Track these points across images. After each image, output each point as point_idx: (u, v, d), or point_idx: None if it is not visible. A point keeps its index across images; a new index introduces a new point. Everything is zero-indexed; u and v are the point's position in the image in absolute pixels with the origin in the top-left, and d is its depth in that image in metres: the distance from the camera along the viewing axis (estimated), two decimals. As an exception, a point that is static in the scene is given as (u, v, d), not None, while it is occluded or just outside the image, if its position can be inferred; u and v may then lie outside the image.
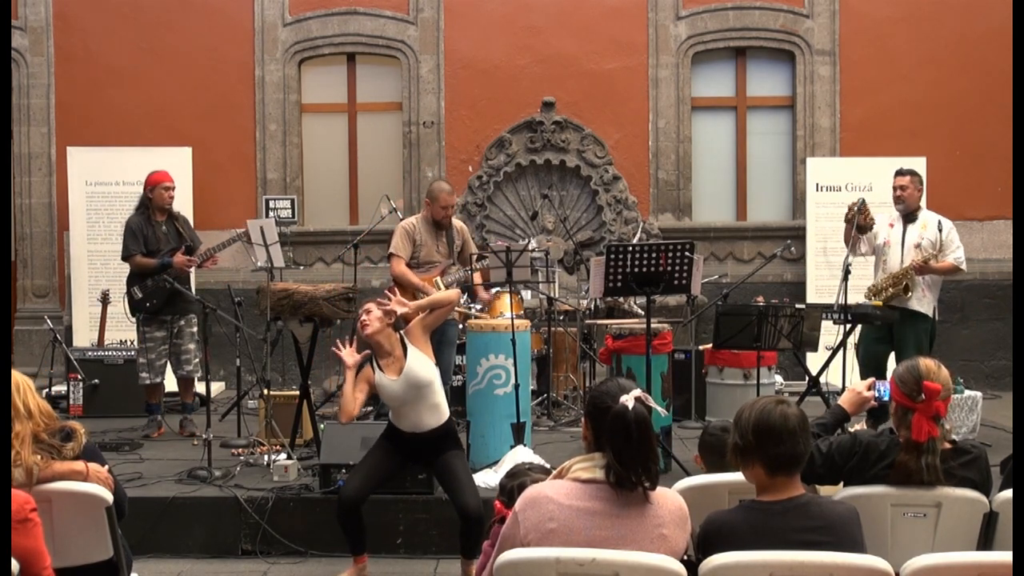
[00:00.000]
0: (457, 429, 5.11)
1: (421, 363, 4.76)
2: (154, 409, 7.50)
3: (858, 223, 6.86)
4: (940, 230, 6.77)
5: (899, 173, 7.01)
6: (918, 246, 6.81)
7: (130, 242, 7.33)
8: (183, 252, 7.33)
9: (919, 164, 9.46)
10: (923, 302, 6.81)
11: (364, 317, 4.78)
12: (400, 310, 4.82)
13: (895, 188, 6.96)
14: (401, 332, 4.84)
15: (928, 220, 6.90)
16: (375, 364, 4.82)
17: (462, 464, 4.92)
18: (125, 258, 7.38)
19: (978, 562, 2.77)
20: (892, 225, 6.98)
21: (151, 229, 7.35)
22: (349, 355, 4.80)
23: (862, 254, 7.08)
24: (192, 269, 7.61)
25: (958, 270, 6.92)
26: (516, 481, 3.74)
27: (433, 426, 4.82)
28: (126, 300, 7.34)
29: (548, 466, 5.17)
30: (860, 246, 7.01)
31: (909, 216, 6.93)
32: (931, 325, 6.87)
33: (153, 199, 7.37)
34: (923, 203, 7.18)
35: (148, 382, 7.39)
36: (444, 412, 4.87)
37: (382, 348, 4.80)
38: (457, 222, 7.22)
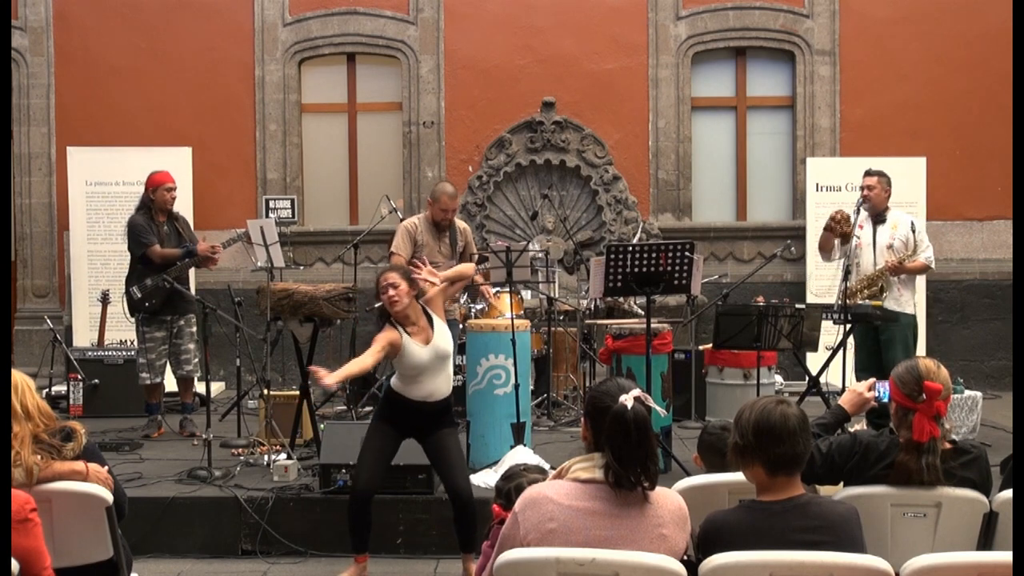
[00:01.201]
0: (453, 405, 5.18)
1: (445, 334, 4.84)
2: (153, 409, 7.50)
3: (845, 232, 6.87)
4: (914, 230, 6.80)
5: (867, 173, 7.01)
6: (890, 247, 6.82)
7: (144, 236, 7.25)
8: (188, 253, 7.34)
9: (919, 164, 9.51)
10: (900, 301, 6.82)
11: (392, 292, 4.68)
12: (436, 282, 4.84)
13: (862, 188, 6.96)
14: (421, 302, 4.84)
15: (898, 220, 6.91)
16: (401, 328, 4.75)
17: (455, 444, 4.95)
18: (142, 252, 7.24)
19: (978, 562, 2.77)
20: (861, 227, 6.97)
21: (154, 228, 7.34)
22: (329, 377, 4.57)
23: (835, 260, 7.09)
24: (192, 268, 7.58)
25: (928, 269, 6.99)
26: (512, 483, 3.75)
27: (445, 395, 4.86)
28: (125, 300, 7.33)
29: (547, 466, 5.19)
30: (834, 252, 7.02)
31: (878, 217, 6.93)
32: (913, 321, 6.91)
33: (155, 200, 7.36)
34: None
35: (148, 382, 7.38)
36: (451, 382, 4.95)
37: (408, 318, 4.77)
38: (460, 222, 7.22)
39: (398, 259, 6.85)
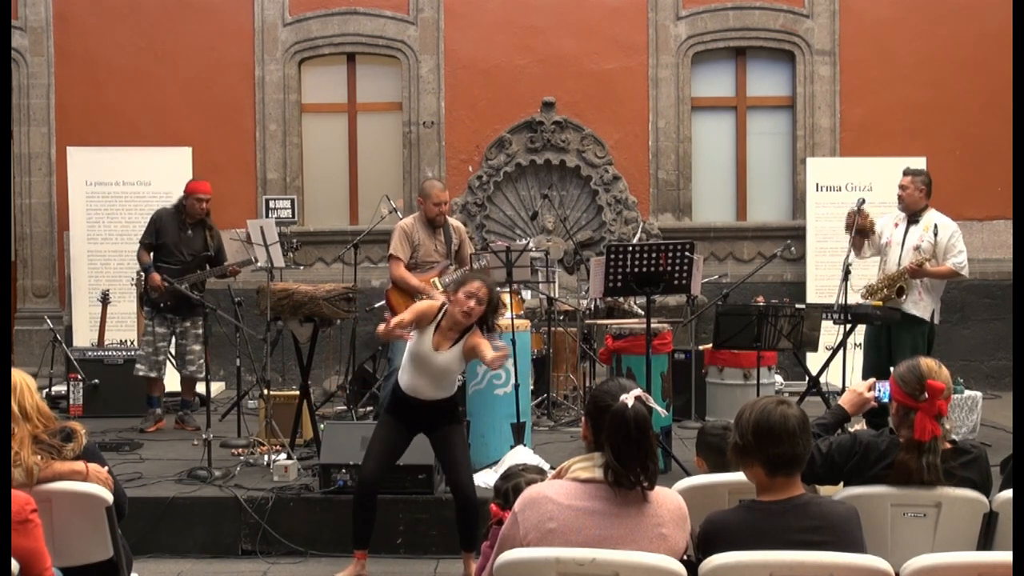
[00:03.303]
0: (459, 402, 5.14)
1: (455, 361, 4.75)
2: (153, 403, 7.63)
3: (858, 227, 6.84)
4: (936, 234, 6.66)
5: (904, 173, 6.97)
6: (918, 248, 6.71)
7: (146, 232, 7.58)
8: (206, 262, 7.56)
9: (919, 164, 9.48)
10: (919, 306, 6.71)
11: (473, 307, 4.61)
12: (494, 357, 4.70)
13: (898, 188, 6.93)
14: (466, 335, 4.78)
15: (931, 222, 6.76)
16: (437, 321, 4.73)
17: (460, 440, 4.95)
18: (140, 244, 7.64)
19: (978, 562, 2.77)
20: (897, 225, 6.92)
21: (175, 227, 7.52)
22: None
23: (867, 256, 7.06)
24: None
25: (957, 275, 6.78)
26: (510, 483, 3.75)
27: (437, 398, 4.83)
28: (143, 289, 7.57)
29: (547, 466, 5.19)
30: (865, 250, 6.98)
31: (913, 217, 6.86)
32: (928, 329, 6.75)
33: (186, 206, 7.55)
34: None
35: (142, 374, 7.55)
36: (450, 392, 4.88)
37: (452, 325, 4.72)
38: (454, 221, 7.23)
39: (396, 262, 6.84)
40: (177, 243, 7.48)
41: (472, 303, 4.63)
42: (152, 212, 7.80)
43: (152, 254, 7.53)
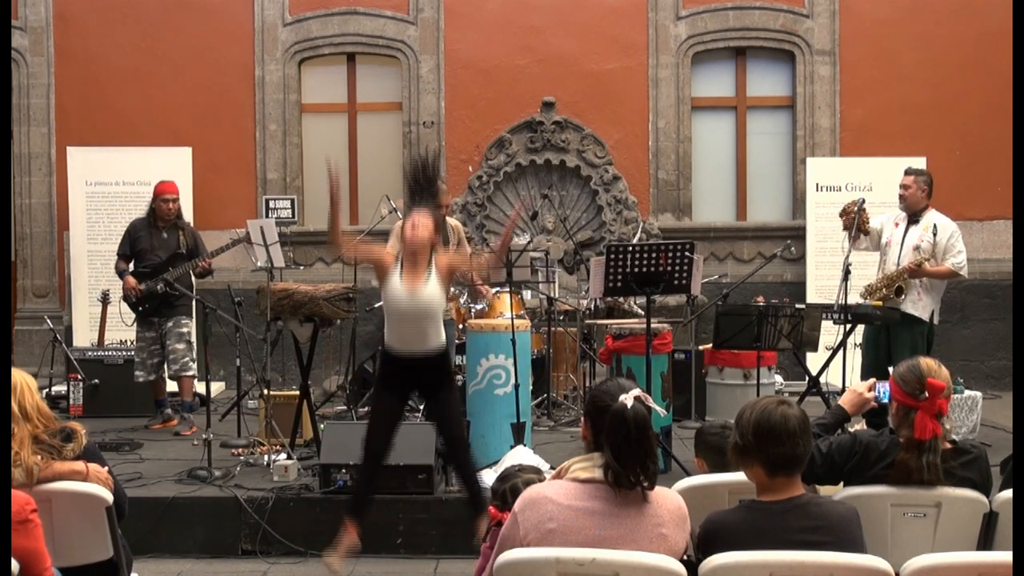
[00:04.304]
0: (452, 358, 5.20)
1: (433, 294, 4.79)
2: (162, 404, 7.76)
3: (858, 224, 6.83)
4: (935, 234, 6.64)
5: (905, 172, 6.96)
6: (917, 248, 6.69)
7: (121, 244, 7.71)
8: (185, 259, 7.57)
9: (919, 164, 9.48)
10: (917, 306, 6.70)
11: (417, 219, 4.72)
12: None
13: (899, 187, 6.92)
14: (433, 256, 4.84)
15: (931, 222, 6.75)
16: (400, 263, 4.80)
17: (454, 398, 5.05)
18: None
19: (978, 562, 2.77)
20: (897, 224, 6.91)
21: (148, 233, 7.61)
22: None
23: (862, 248, 7.05)
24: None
25: (956, 275, 6.77)
26: (507, 484, 3.75)
27: (430, 350, 4.85)
28: (122, 302, 7.72)
29: (547, 466, 5.19)
30: (861, 241, 6.97)
31: (913, 216, 6.86)
32: (927, 329, 6.74)
33: (155, 209, 7.63)
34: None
35: (141, 380, 7.65)
36: (442, 336, 4.91)
37: (413, 256, 4.77)
38: (451, 220, 7.23)
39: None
40: (152, 247, 7.59)
41: (417, 223, 4.71)
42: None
43: (132, 263, 7.64)
